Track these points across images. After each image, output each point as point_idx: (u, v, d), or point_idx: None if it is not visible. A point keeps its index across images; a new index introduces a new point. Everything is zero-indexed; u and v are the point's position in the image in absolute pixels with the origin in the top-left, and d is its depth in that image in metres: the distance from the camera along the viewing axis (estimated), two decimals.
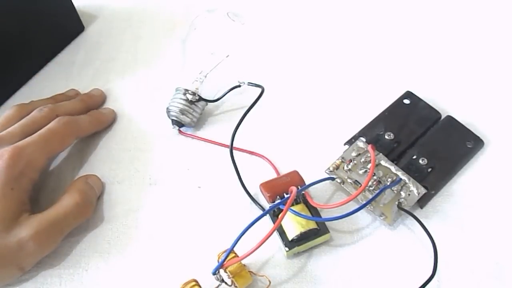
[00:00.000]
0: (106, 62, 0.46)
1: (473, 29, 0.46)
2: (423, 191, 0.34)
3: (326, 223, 0.33)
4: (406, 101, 0.40)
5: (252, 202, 0.35)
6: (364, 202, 0.32)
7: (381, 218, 0.34)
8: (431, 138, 0.37)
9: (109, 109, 0.41)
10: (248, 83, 0.40)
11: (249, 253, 0.29)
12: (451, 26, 0.46)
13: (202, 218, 0.35)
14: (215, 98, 0.40)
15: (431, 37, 0.46)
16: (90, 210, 0.35)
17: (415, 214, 0.34)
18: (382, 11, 0.48)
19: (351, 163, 0.36)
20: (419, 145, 0.37)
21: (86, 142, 0.40)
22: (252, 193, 0.36)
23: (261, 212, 0.32)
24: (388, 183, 0.34)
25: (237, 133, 0.36)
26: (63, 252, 0.34)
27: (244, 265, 0.31)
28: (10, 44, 0.41)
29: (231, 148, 0.36)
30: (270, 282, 0.32)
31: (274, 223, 0.34)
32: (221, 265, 0.30)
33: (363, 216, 0.35)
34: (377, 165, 0.35)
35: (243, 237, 0.30)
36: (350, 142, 0.38)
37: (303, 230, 0.32)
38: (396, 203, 0.34)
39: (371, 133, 0.38)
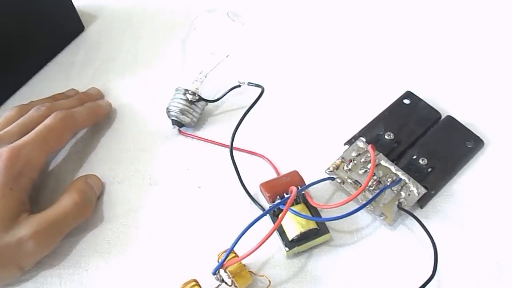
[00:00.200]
0: (106, 62, 0.46)
1: (473, 29, 0.46)
2: (423, 191, 0.34)
3: (326, 223, 0.33)
4: (406, 101, 0.40)
5: (252, 202, 0.35)
6: (364, 202, 0.32)
7: (381, 218, 0.34)
8: (431, 138, 0.37)
9: (105, 101, 0.41)
10: (248, 83, 0.40)
11: (249, 253, 0.29)
12: (451, 26, 0.46)
13: (202, 218, 0.35)
14: (215, 98, 0.40)
15: (431, 37, 0.46)
16: (89, 210, 0.35)
17: (415, 214, 0.34)
18: (382, 11, 0.48)
19: (351, 163, 0.36)
20: (419, 145, 0.37)
21: (86, 142, 0.40)
22: (252, 193, 0.36)
23: (261, 212, 0.32)
24: (388, 183, 0.34)
25: (237, 133, 0.36)
26: (63, 252, 0.34)
27: (244, 265, 0.31)
28: (10, 44, 0.41)
29: (231, 148, 0.36)
30: (270, 282, 0.32)
31: (274, 223, 0.34)
32: (221, 265, 0.30)
33: (363, 216, 0.35)
34: (377, 165, 0.35)
35: (243, 237, 0.30)
36: (350, 142, 0.38)
37: (303, 230, 0.32)
38: (396, 203, 0.34)
39: (371, 133, 0.38)
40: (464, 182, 0.36)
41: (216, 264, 0.30)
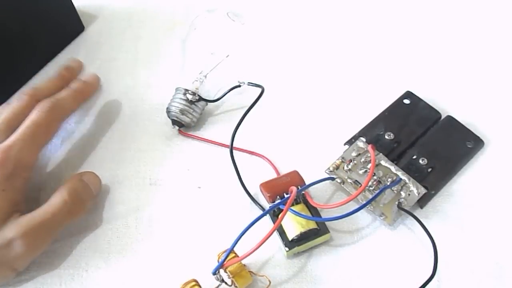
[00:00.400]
0: (106, 62, 0.46)
1: (473, 29, 0.46)
2: (423, 191, 0.34)
3: (326, 223, 0.33)
4: (406, 101, 0.40)
5: (252, 202, 0.35)
6: (364, 202, 0.32)
7: (381, 218, 0.34)
8: (431, 138, 0.37)
9: (92, 75, 0.39)
10: (248, 83, 0.40)
11: (249, 253, 0.29)
12: (451, 26, 0.46)
13: (202, 218, 0.35)
14: (215, 98, 0.40)
15: (431, 37, 0.46)
16: (81, 209, 0.34)
17: (415, 214, 0.34)
18: (382, 12, 0.48)
19: (351, 163, 0.36)
20: (419, 145, 0.37)
21: (86, 142, 0.40)
22: (252, 193, 0.36)
23: (261, 212, 0.32)
24: (388, 183, 0.34)
25: (237, 133, 0.36)
26: (63, 252, 0.34)
27: (244, 265, 0.31)
28: (10, 44, 0.41)
29: (231, 148, 0.36)
30: (270, 282, 0.32)
31: (274, 223, 0.34)
32: (221, 265, 0.30)
33: (363, 216, 0.35)
34: (377, 165, 0.35)
35: (243, 237, 0.30)
36: (350, 142, 0.38)
37: (303, 230, 0.32)
38: (396, 203, 0.34)
39: (371, 133, 0.38)
40: (464, 182, 0.36)
41: (216, 264, 0.30)
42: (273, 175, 0.36)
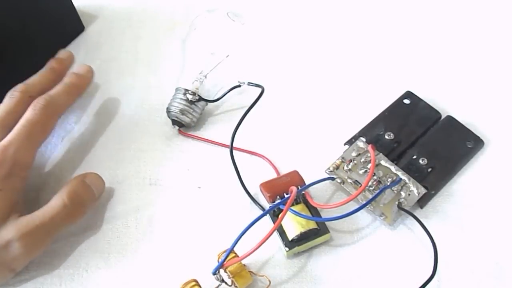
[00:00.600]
0: (106, 62, 0.45)
1: (473, 29, 0.46)
2: (423, 191, 0.34)
3: (326, 223, 0.33)
4: (406, 101, 0.40)
5: (252, 202, 0.35)
6: (364, 202, 0.32)
7: (381, 218, 0.34)
8: (431, 138, 0.38)
9: (84, 66, 0.39)
10: (248, 83, 0.40)
11: (249, 253, 0.29)
12: (451, 26, 0.46)
13: (202, 218, 0.35)
14: (215, 98, 0.40)
15: (431, 37, 0.46)
16: (80, 212, 0.33)
17: (415, 214, 0.34)
18: (382, 11, 0.48)
19: (351, 163, 0.36)
20: (419, 145, 0.37)
21: (86, 142, 0.40)
22: (252, 193, 0.36)
23: (261, 212, 0.32)
24: (388, 183, 0.34)
25: (237, 133, 0.36)
26: (63, 252, 0.34)
27: (244, 265, 0.31)
28: (10, 44, 0.41)
29: (231, 148, 0.36)
30: (270, 282, 0.32)
31: (274, 223, 0.34)
32: (221, 265, 0.30)
33: (363, 216, 0.35)
34: (377, 165, 0.35)
35: (243, 237, 0.30)
36: (350, 142, 0.38)
37: (303, 230, 0.32)
38: (396, 203, 0.34)
39: (371, 133, 0.38)
40: (464, 182, 0.36)
41: (216, 264, 0.30)
42: (273, 175, 0.36)
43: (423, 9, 0.48)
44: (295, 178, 0.35)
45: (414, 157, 0.36)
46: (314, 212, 0.34)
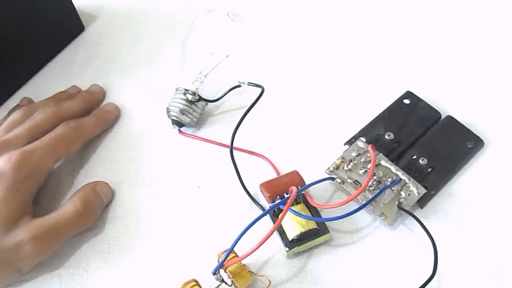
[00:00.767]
0: (106, 62, 0.46)
1: (473, 29, 0.46)
2: (423, 191, 0.34)
3: (326, 223, 0.33)
4: (406, 101, 0.40)
5: (252, 202, 0.35)
6: (364, 202, 0.32)
7: (381, 218, 0.34)
8: (431, 138, 0.37)
9: (112, 105, 0.42)
10: (248, 83, 0.40)
11: (249, 253, 0.29)
12: (451, 26, 0.46)
13: (202, 218, 0.35)
14: (215, 98, 0.40)
15: (431, 37, 0.46)
16: (91, 219, 0.35)
17: (415, 214, 0.34)
18: (382, 11, 0.48)
19: (351, 163, 0.36)
20: (419, 145, 0.37)
21: (86, 142, 0.40)
22: (252, 193, 0.36)
23: (261, 212, 0.32)
24: (388, 183, 0.34)
25: (237, 133, 0.36)
26: (63, 252, 0.34)
27: (244, 265, 0.31)
28: (10, 44, 0.41)
29: (231, 148, 0.36)
30: (270, 282, 0.32)
31: (274, 223, 0.34)
32: (221, 265, 0.30)
33: (363, 216, 0.35)
34: (377, 165, 0.35)
35: (243, 237, 0.30)
36: (350, 142, 0.38)
37: (303, 230, 0.32)
38: (396, 203, 0.34)
39: (371, 133, 0.38)
40: (464, 182, 0.36)
41: (216, 264, 0.30)
42: (273, 175, 0.36)
43: (423, 9, 0.48)
44: (295, 178, 0.35)
45: (414, 157, 0.36)
46: (314, 212, 0.34)
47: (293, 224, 0.32)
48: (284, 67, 0.44)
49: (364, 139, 0.37)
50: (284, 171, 0.37)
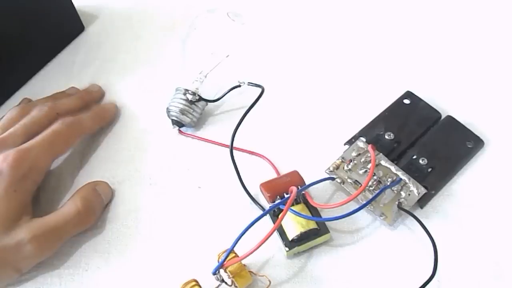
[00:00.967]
0: (106, 62, 0.46)
1: (473, 29, 0.46)
2: (423, 191, 0.34)
3: (326, 223, 0.33)
4: (406, 101, 0.40)
5: (252, 202, 0.35)
6: (364, 202, 0.32)
7: (381, 218, 0.34)
8: (431, 138, 0.37)
9: (110, 104, 0.41)
10: (248, 83, 0.40)
11: (249, 253, 0.29)
12: (451, 26, 0.46)
13: (202, 218, 0.35)
14: (215, 98, 0.40)
15: (431, 37, 0.46)
16: (91, 219, 0.34)
17: (415, 214, 0.34)
18: (382, 11, 0.48)
19: (351, 163, 0.36)
20: (419, 145, 0.37)
21: (86, 142, 0.40)
22: (252, 193, 0.36)
23: (261, 212, 0.32)
24: (388, 183, 0.34)
25: (237, 133, 0.36)
26: (63, 252, 0.34)
27: (244, 265, 0.31)
28: (10, 44, 0.41)
29: (231, 148, 0.36)
30: (270, 282, 0.32)
31: (274, 223, 0.34)
32: (221, 265, 0.30)
33: (363, 216, 0.35)
34: (377, 165, 0.35)
35: (243, 237, 0.30)
36: (350, 142, 0.38)
37: (303, 230, 0.32)
38: (396, 203, 0.34)
39: (371, 133, 0.38)
40: (464, 182, 0.36)
41: (216, 264, 0.30)
42: (273, 175, 0.36)
43: (423, 9, 0.48)
44: (295, 178, 0.35)
45: (414, 157, 0.36)
46: (314, 212, 0.34)
47: (293, 224, 0.32)
48: (284, 67, 0.44)
49: (364, 139, 0.37)
50: (284, 171, 0.37)
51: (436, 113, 0.39)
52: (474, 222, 0.34)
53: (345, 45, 0.45)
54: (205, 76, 0.41)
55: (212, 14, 0.44)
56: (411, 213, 0.33)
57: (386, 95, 0.40)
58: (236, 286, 0.30)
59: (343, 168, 0.36)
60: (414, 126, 0.38)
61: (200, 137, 0.40)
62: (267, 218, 0.34)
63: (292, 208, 0.33)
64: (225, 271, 0.30)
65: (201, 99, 0.39)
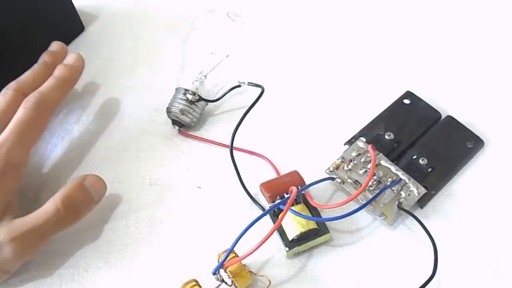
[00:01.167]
0: (106, 62, 0.46)
1: (473, 29, 0.46)
2: (423, 191, 0.34)
3: (326, 223, 0.33)
4: (406, 101, 0.40)
5: (252, 202, 0.35)
6: (364, 202, 0.32)
7: (381, 218, 0.34)
8: (431, 138, 0.38)
9: (73, 56, 0.38)
10: (248, 83, 0.40)
11: (249, 253, 0.29)
12: (451, 26, 0.46)
13: (202, 218, 0.35)
14: (215, 98, 0.40)
15: (431, 37, 0.46)
16: (75, 217, 0.33)
17: (415, 214, 0.34)
18: (382, 11, 0.48)
19: (351, 163, 0.36)
20: (419, 145, 0.37)
21: (86, 141, 0.40)
22: (252, 193, 0.36)
23: (261, 212, 0.32)
24: (388, 183, 0.34)
25: (237, 133, 0.36)
26: (63, 252, 0.34)
27: (244, 265, 0.31)
28: (10, 44, 0.41)
29: (231, 148, 0.36)
30: (270, 282, 0.32)
31: (274, 223, 0.34)
32: (221, 265, 0.30)
33: (363, 216, 0.35)
34: (377, 165, 0.35)
35: (243, 237, 0.30)
36: (350, 142, 0.38)
37: (303, 230, 0.32)
38: (396, 203, 0.34)
39: (371, 133, 0.38)
40: (464, 182, 0.36)
41: (216, 264, 0.30)
42: (273, 175, 0.36)
43: (423, 9, 0.48)
44: (295, 178, 0.35)
45: (414, 157, 0.36)
46: (314, 212, 0.34)
47: (293, 224, 0.32)
48: (284, 67, 0.44)
49: (364, 139, 0.37)
50: (284, 171, 0.37)
51: (436, 113, 0.39)
52: (474, 222, 0.34)
53: (345, 45, 0.45)
54: (205, 76, 0.41)
55: (212, 14, 0.44)
56: (411, 213, 0.33)
57: (386, 95, 0.40)
58: (236, 286, 0.30)
59: (343, 168, 0.36)
60: (414, 126, 0.38)
61: (200, 137, 0.40)
62: (267, 218, 0.34)
63: (292, 208, 0.33)
64: (225, 271, 0.30)
65: (201, 99, 0.39)
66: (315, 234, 0.33)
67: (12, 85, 0.35)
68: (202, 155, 0.39)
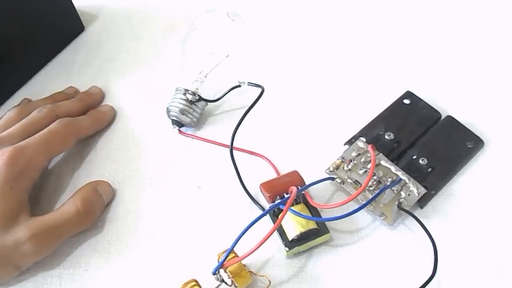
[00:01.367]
0: (106, 62, 0.46)
1: (473, 29, 0.46)
2: (423, 191, 0.34)
3: (326, 223, 0.33)
4: (406, 101, 0.40)
5: (252, 202, 0.35)
6: (364, 202, 0.32)
7: (381, 218, 0.34)
8: (431, 138, 0.37)
9: (107, 106, 0.42)
10: (248, 83, 0.40)
11: (249, 253, 0.29)
12: (451, 26, 0.46)
13: (202, 218, 0.35)
14: (215, 98, 0.40)
15: (431, 37, 0.46)
16: (91, 219, 0.35)
17: (415, 214, 0.34)
18: (382, 11, 0.48)
19: (351, 163, 0.36)
20: (419, 145, 0.37)
21: (86, 142, 0.40)
22: (252, 193, 0.36)
23: (261, 212, 0.32)
24: (388, 183, 0.34)
25: (237, 133, 0.36)
26: (63, 252, 0.34)
27: (244, 265, 0.31)
28: (10, 44, 0.41)
29: (231, 148, 0.36)
30: (270, 282, 0.32)
31: (274, 223, 0.34)
32: (221, 265, 0.30)
33: (363, 216, 0.35)
34: (377, 165, 0.35)
35: (243, 237, 0.30)
36: (350, 142, 0.38)
37: (303, 230, 0.32)
38: (396, 203, 0.34)
39: (371, 133, 0.38)
40: (464, 182, 0.36)
41: (216, 264, 0.30)
42: (273, 175, 0.36)
43: (423, 9, 0.48)
44: (295, 178, 0.35)
45: (414, 157, 0.36)
46: (314, 212, 0.34)
47: (293, 224, 0.32)
48: (284, 67, 0.44)
49: (364, 139, 0.37)
50: (284, 171, 0.37)
51: (436, 113, 0.39)
52: (474, 222, 0.34)
53: (345, 45, 0.45)
54: (205, 76, 0.41)
55: (212, 14, 0.44)
56: (411, 213, 0.33)
57: (386, 95, 0.40)
58: (236, 286, 0.30)
59: (343, 168, 0.36)
60: (414, 126, 0.38)
61: (200, 137, 0.40)
62: (267, 218, 0.34)
63: (292, 208, 0.33)
64: (225, 271, 0.30)
65: (201, 99, 0.39)
66: (315, 234, 0.33)
67: (48, 105, 0.38)
68: (202, 155, 0.39)
